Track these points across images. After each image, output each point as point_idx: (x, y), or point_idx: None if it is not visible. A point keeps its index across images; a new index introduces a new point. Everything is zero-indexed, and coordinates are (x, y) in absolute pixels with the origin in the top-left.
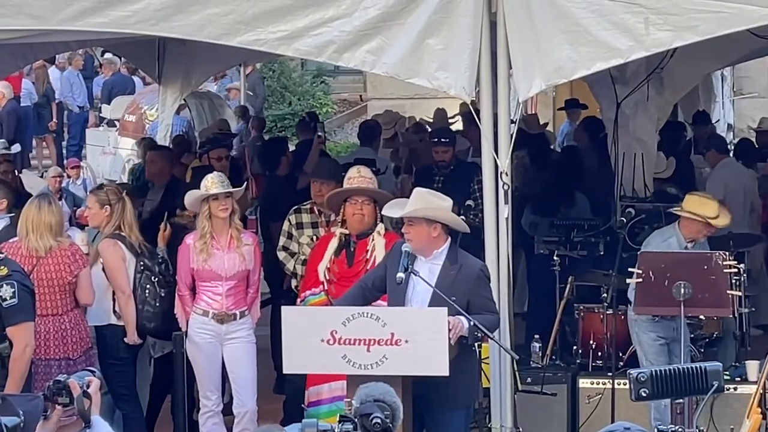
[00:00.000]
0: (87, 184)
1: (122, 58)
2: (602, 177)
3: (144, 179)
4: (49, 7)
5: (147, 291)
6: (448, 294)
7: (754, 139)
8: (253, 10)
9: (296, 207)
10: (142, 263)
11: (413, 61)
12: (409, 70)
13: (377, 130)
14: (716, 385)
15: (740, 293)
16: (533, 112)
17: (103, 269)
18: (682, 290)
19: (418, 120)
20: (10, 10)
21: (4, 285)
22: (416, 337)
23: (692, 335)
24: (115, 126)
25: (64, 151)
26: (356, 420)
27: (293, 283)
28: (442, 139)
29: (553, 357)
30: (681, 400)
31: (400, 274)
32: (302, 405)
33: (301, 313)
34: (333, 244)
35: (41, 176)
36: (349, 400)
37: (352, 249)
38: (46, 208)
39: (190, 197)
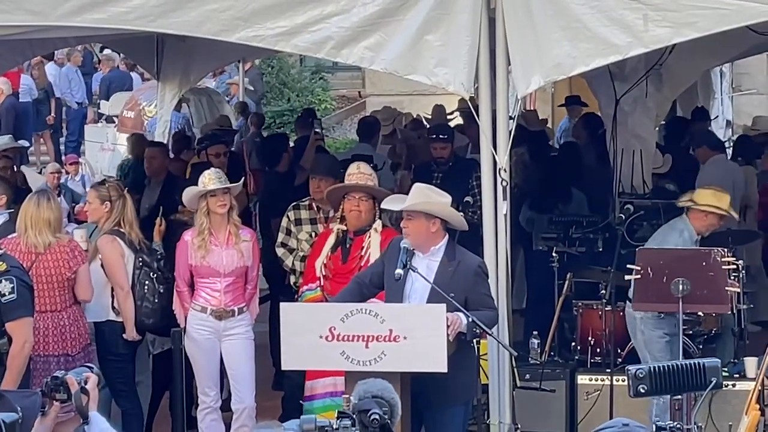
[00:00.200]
0: (86, 180)
1: (121, 54)
2: (601, 173)
3: (133, 175)
4: (47, 2)
5: (146, 287)
6: (447, 290)
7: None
8: (251, 6)
9: (295, 203)
10: (140, 259)
11: (412, 58)
12: (407, 66)
13: (376, 126)
14: (714, 381)
15: (739, 290)
16: (533, 108)
17: (102, 265)
18: (681, 287)
19: (416, 116)
20: (9, 6)
21: (3, 280)
22: (415, 334)
23: (691, 332)
24: (114, 122)
25: (63, 147)
26: (354, 416)
27: (292, 279)
28: (441, 136)
29: (552, 353)
30: (679, 397)
31: (399, 271)
32: (300, 401)
33: (300, 309)
34: (330, 240)
35: (39, 172)
36: (347, 396)
37: (347, 245)
38: (45, 204)
39: (188, 194)
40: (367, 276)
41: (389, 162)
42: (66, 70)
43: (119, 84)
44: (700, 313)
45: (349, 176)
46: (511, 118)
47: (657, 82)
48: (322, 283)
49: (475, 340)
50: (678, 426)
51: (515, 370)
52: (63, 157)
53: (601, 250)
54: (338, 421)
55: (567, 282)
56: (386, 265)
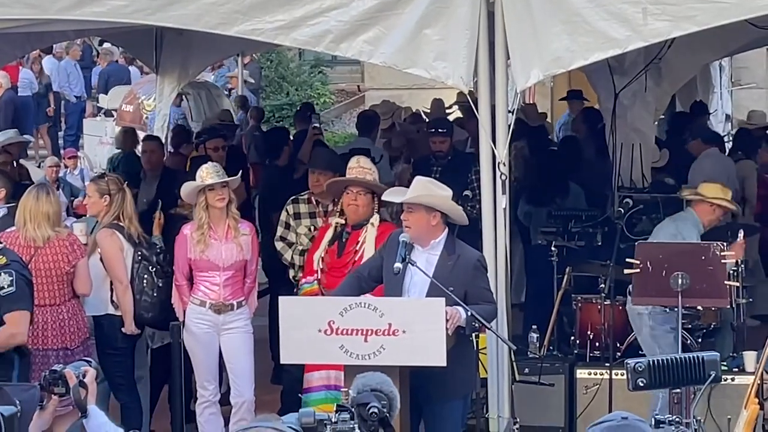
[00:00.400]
0: (84, 174)
1: (120, 48)
2: (600, 167)
3: (123, 169)
4: None
5: (145, 281)
6: (446, 284)
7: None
8: None
9: (294, 197)
10: (139, 253)
11: (411, 51)
12: (406, 60)
13: (375, 120)
14: (713, 374)
15: (738, 284)
16: (532, 102)
17: (101, 259)
18: (680, 281)
19: (415, 111)
20: (8, 0)
21: (3, 273)
22: (414, 328)
23: (690, 326)
24: (113, 116)
25: (61, 141)
26: (353, 409)
27: (291, 273)
28: (440, 130)
29: (551, 347)
30: (678, 390)
31: (398, 264)
32: (299, 395)
33: (298, 303)
34: (328, 233)
35: (38, 166)
36: (346, 389)
37: (344, 240)
38: (44, 198)
39: (186, 189)
40: (365, 269)
41: (387, 156)
42: (64, 63)
43: (118, 78)
44: (699, 308)
45: (349, 170)
46: (510, 112)
47: (656, 76)
48: (319, 276)
49: (474, 334)
50: (677, 419)
51: (514, 364)
52: (61, 151)
53: (600, 244)
54: (337, 415)
55: (566, 276)
56: (385, 258)
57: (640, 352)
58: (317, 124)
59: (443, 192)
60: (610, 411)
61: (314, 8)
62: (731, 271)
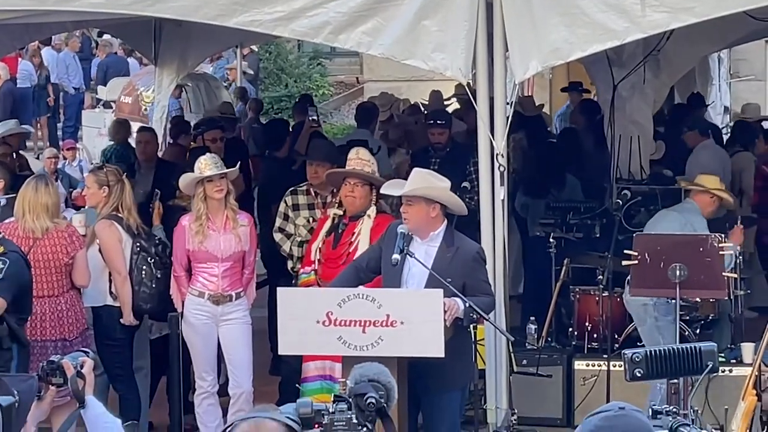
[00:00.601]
0: (83, 165)
1: (119, 40)
2: (598, 159)
3: (116, 161)
4: None
5: (143, 272)
6: (445, 276)
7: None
8: None
9: (292, 189)
10: (138, 244)
11: (409, 43)
12: (405, 51)
13: (374, 112)
14: (711, 365)
15: (736, 275)
16: (530, 94)
17: (100, 250)
18: (678, 272)
19: (413, 102)
20: None
21: None
22: (412, 319)
23: (688, 317)
24: (111, 107)
25: (60, 133)
26: (350, 400)
27: (289, 264)
28: (438, 121)
29: (549, 339)
30: (676, 381)
31: (396, 256)
32: (297, 386)
33: (297, 294)
34: (326, 224)
35: (37, 158)
36: (343, 380)
37: (340, 231)
38: (43, 189)
39: (185, 180)
40: (364, 260)
41: (386, 147)
42: (63, 55)
43: (115, 69)
44: (697, 299)
45: (348, 161)
46: (508, 103)
47: (655, 68)
48: (316, 267)
49: (472, 326)
50: (674, 410)
51: (512, 355)
52: (60, 143)
53: (598, 235)
54: (334, 405)
55: (564, 267)
56: (384, 250)
57: (638, 343)
58: (314, 116)
59: (442, 183)
60: (608, 402)
61: None
62: (736, 260)
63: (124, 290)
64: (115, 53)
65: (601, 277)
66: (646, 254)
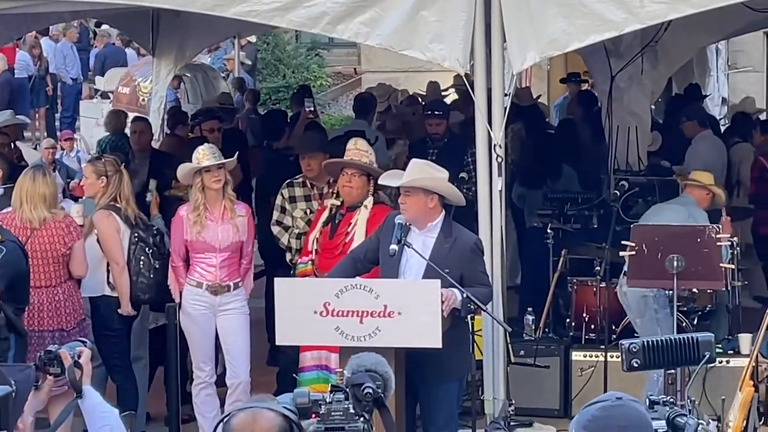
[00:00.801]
0: (80, 156)
1: (117, 30)
2: (596, 150)
3: (112, 152)
4: None
5: (141, 262)
6: (442, 267)
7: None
8: None
9: (289, 181)
10: (136, 235)
11: (407, 33)
12: (403, 41)
13: (372, 102)
14: (708, 355)
15: (733, 266)
16: (527, 85)
17: (98, 241)
18: (675, 263)
19: (411, 93)
20: None
21: None
22: (409, 309)
23: (685, 308)
24: (109, 98)
25: (58, 123)
26: (348, 390)
27: (288, 256)
28: (436, 112)
29: (546, 330)
30: (673, 371)
31: (393, 246)
32: (294, 375)
33: (294, 284)
34: (324, 215)
35: (35, 148)
36: (340, 370)
37: (337, 221)
38: (41, 179)
39: (183, 170)
40: (362, 251)
41: (383, 138)
42: (61, 45)
43: (113, 60)
44: (694, 290)
45: (346, 152)
46: (506, 94)
47: (652, 59)
48: (313, 257)
49: (469, 316)
50: (671, 400)
51: (510, 346)
52: (58, 133)
53: (596, 226)
54: (331, 395)
55: (562, 258)
56: (381, 240)
57: (635, 334)
58: (311, 107)
59: (440, 174)
60: (605, 393)
61: None
62: (734, 251)
63: (122, 280)
64: (113, 44)
65: (598, 268)
66: (644, 245)
